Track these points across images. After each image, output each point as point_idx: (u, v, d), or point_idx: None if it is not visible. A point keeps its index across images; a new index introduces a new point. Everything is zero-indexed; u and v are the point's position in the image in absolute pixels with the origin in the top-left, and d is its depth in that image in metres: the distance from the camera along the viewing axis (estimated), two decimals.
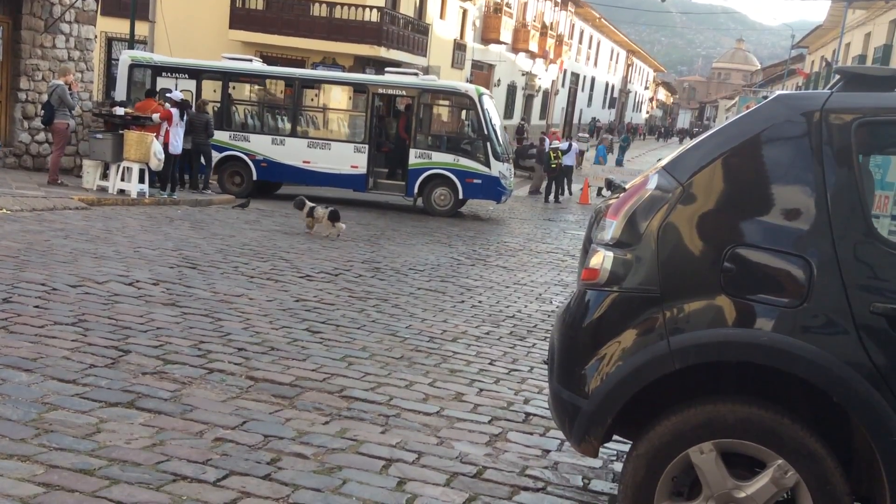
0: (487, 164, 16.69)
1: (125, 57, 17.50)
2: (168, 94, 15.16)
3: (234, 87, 17.96)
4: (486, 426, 4.76)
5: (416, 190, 17.02)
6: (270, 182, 17.59)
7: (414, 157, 16.90)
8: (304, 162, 16.98)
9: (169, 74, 17.23)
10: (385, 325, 6.94)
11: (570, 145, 23.57)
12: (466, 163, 16.75)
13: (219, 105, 17.08)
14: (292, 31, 25.86)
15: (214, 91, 17.62)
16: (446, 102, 18.18)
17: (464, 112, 17.49)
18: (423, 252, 11.55)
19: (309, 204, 12.12)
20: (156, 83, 17.01)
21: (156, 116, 13.99)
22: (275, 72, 18.52)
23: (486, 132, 16.70)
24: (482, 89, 17.54)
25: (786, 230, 2.92)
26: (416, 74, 17.71)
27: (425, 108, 17.55)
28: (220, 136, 16.60)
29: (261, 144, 17.12)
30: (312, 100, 19.14)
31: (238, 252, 9.63)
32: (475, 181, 16.76)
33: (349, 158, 16.98)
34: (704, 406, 2.95)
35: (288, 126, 17.58)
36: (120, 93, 17.16)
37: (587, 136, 42.37)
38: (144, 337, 5.67)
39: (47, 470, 3.52)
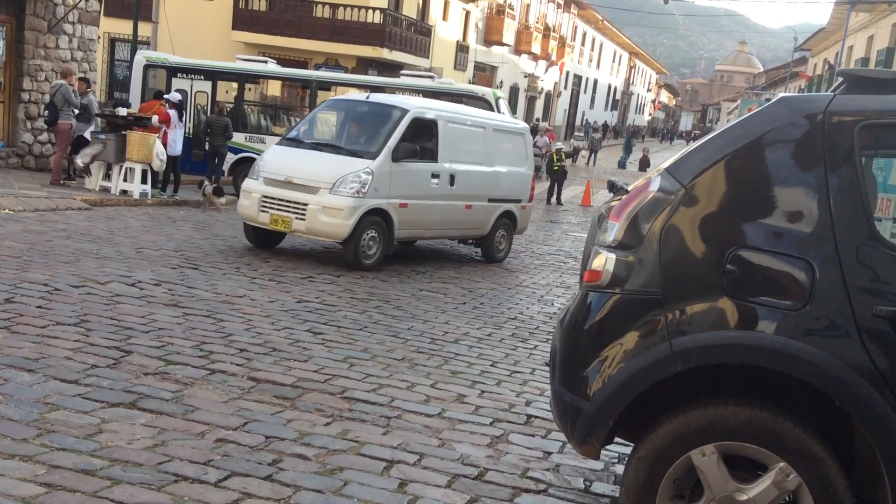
0: None
1: (140, 57, 17.38)
2: (165, 96, 15.14)
3: (249, 89, 17.88)
4: (487, 428, 4.76)
5: None
6: None
7: None
8: None
9: (184, 75, 17.12)
10: (387, 326, 6.94)
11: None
12: None
13: (234, 106, 16.99)
14: (295, 32, 25.89)
15: (227, 92, 17.51)
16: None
17: None
18: (424, 253, 11.55)
19: (205, 184, 13.75)
20: (170, 84, 16.92)
21: (155, 119, 14.00)
22: (291, 73, 18.47)
23: None
24: (499, 93, 17.41)
25: (788, 233, 2.92)
26: (431, 77, 17.61)
27: None
28: (236, 137, 16.43)
29: None
30: None
31: (240, 253, 9.63)
32: None
33: None
34: (706, 408, 2.95)
35: None
36: (134, 93, 17.00)
37: (582, 135, 42.62)
38: (146, 337, 5.68)
39: (49, 470, 3.52)
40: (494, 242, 11.36)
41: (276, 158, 9.83)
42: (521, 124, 12.56)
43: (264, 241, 10.12)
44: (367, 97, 10.65)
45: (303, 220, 9.20)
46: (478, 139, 10.88)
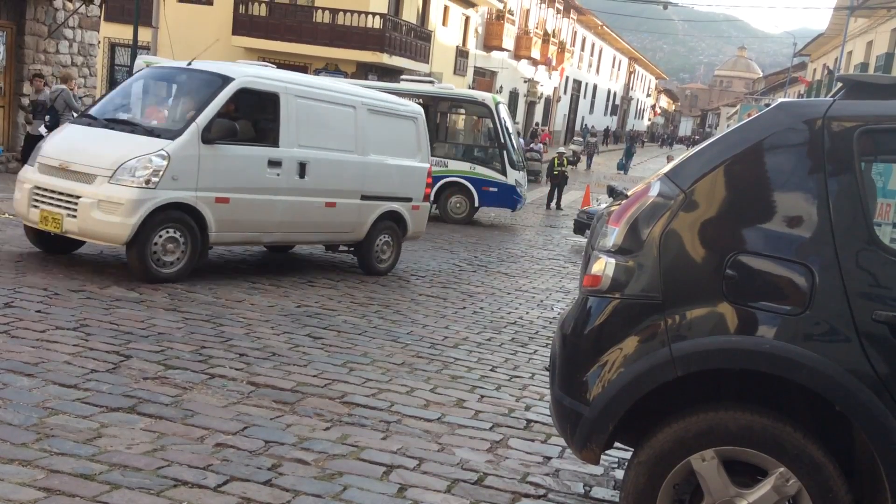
0: (503, 173, 16.61)
1: (140, 62, 17.32)
2: None
3: None
4: (487, 433, 4.76)
5: (431, 198, 16.93)
6: None
7: None
8: None
9: None
10: (386, 330, 6.94)
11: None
12: (482, 171, 16.64)
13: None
14: (295, 37, 25.92)
15: None
16: (462, 111, 18.10)
17: (480, 120, 17.43)
18: (424, 258, 11.55)
19: None
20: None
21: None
22: None
23: (502, 140, 16.63)
24: (498, 98, 17.45)
25: (788, 237, 2.93)
26: (431, 82, 17.61)
27: (441, 117, 17.48)
28: None
29: None
30: None
31: (239, 257, 9.64)
32: (491, 189, 16.62)
33: None
34: (706, 413, 2.95)
35: None
36: None
37: (581, 139, 42.90)
38: (146, 342, 5.67)
39: (48, 475, 3.52)
40: (374, 250, 9.40)
41: (58, 139, 7.64)
42: (411, 106, 10.04)
43: (54, 245, 7.96)
44: (189, 63, 8.34)
45: (75, 217, 7.06)
46: (345, 121, 8.75)
